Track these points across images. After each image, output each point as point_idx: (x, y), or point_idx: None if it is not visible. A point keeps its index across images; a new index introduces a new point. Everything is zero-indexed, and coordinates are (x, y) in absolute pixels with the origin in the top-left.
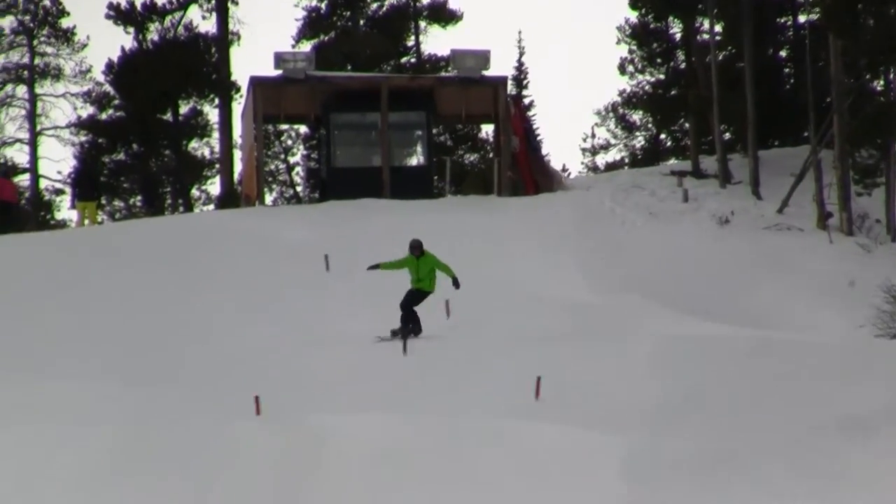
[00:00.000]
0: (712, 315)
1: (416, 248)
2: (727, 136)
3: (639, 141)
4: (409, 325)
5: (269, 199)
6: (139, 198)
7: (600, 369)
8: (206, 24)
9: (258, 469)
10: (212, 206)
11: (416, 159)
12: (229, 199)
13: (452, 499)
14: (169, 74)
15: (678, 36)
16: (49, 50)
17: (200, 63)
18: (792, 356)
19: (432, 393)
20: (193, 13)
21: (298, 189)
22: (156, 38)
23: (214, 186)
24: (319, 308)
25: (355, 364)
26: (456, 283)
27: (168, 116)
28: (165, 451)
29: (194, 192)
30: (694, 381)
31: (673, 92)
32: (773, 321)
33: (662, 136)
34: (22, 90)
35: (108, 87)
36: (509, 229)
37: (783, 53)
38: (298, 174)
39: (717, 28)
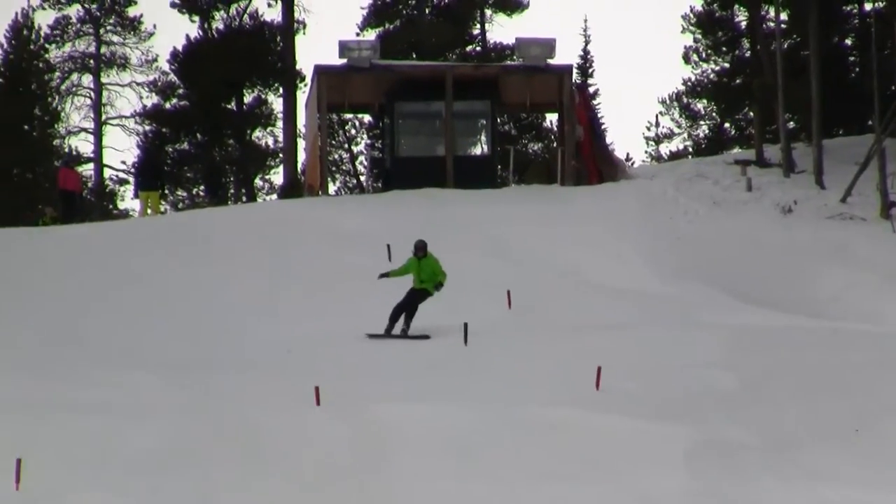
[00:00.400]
0: (775, 304)
1: (421, 249)
2: (791, 124)
3: (702, 130)
4: (395, 324)
5: (332, 188)
6: (202, 187)
7: (662, 359)
8: (272, 13)
9: (322, 458)
10: (275, 196)
11: (479, 148)
12: (293, 188)
13: (513, 489)
14: (234, 63)
15: (743, 24)
16: (115, 39)
17: (265, 52)
18: (855, 346)
19: (493, 383)
20: (259, 2)
21: (362, 179)
22: (221, 26)
23: (278, 176)
24: (382, 298)
25: (417, 354)
26: (439, 287)
27: (232, 105)
28: (229, 440)
29: (258, 181)
30: (757, 370)
31: (737, 80)
32: (836, 311)
33: (726, 124)
34: (88, 79)
35: (172, 76)
36: (572, 218)
37: (848, 41)
38: (362, 164)
39: (783, 16)
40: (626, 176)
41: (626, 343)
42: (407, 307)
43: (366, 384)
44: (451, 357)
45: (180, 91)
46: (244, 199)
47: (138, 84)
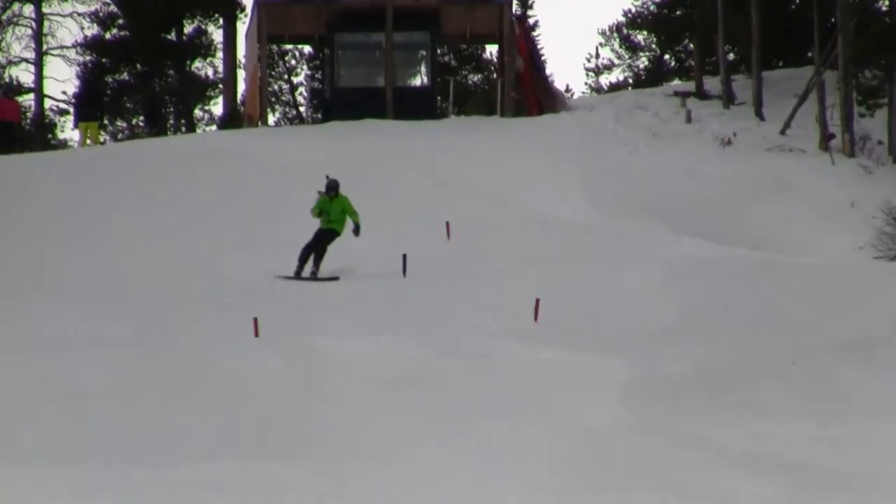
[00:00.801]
0: (714, 236)
1: (332, 188)
2: (731, 56)
3: (643, 62)
4: (305, 266)
5: (271, 119)
6: (141, 118)
7: (601, 292)
8: None
9: (258, 391)
10: (214, 127)
11: (419, 80)
12: (232, 119)
13: (451, 422)
14: None
15: None
16: None
17: None
18: (793, 279)
19: (432, 315)
20: None
21: (301, 110)
22: None
23: (217, 107)
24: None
25: (355, 287)
26: (357, 230)
27: (172, 36)
28: (167, 372)
29: (197, 112)
30: (696, 303)
31: (678, 12)
32: (774, 243)
33: (666, 56)
34: (29, 9)
35: (113, 7)
36: (512, 150)
37: None
38: (302, 95)
39: None
40: (566, 107)
41: (564, 275)
42: (314, 248)
43: (305, 318)
44: (390, 290)
45: (120, 21)
46: (183, 129)
47: (79, 14)
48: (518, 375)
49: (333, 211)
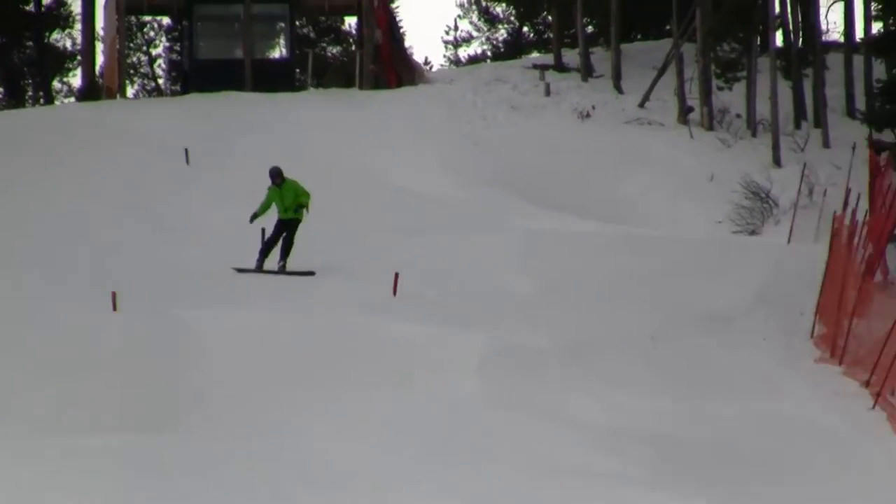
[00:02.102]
0: (574, 210)
1: (276, 175)
2: (590, 29)
3: (501, 34)
4: (265, 259)
5: (130, 92)
6: (1, 89)
7: (460, 265)
8: None
9: (115, 362)
10: (73, 99)
11: (278, 52)
12: (91, 91)
13: (311, 395)
14: None
15: None
16: None
17: None
18: (652, 252)
19: (292, 288)
20: None
21: (160, 82)
22: None
23: (76, 79)
24: (179, 202)
25: (215, 259)
26: (299, 210)
27: (31, 7)
28: (20, 341)
29: (56, 84)
30: (554, 276)
31: None
32: (634, 216)
33: (525, 29)
34: None
35: None
36: (371, 123)
37: None
38: (161, 67)
39: None
40: (425, 80)
41: (422, 248)
42: (275, 241)
43: (165, 289)
44: (249, 262)
45: None
46: (42, 101)
47: None
48: (376, 348)
49: (286, 198)
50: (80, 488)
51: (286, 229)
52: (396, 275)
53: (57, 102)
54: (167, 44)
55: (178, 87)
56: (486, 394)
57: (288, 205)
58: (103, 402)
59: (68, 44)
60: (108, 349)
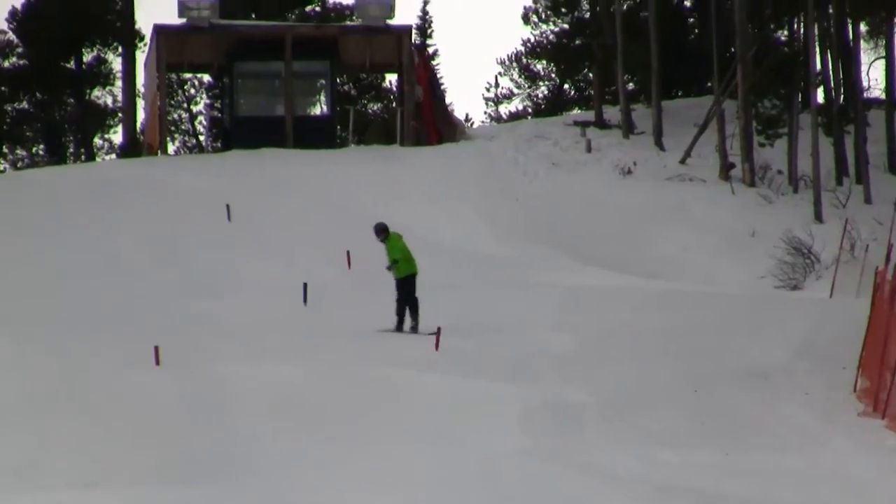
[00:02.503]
0: (615, 265)
1: (378, 232)
2: (631, 86)
3: (542, 91)
4: (401, 320)
5: (171, 148)
6: (42, 146)
7: (501, 320)
8: None
9: (160, 416)
10: (114, 156)
11: (319, 109)
12: (132, 148)
13: (351, 450)
14: (73, 22)
15: None
16: None
17: (105, 11)
18: (693, 308)
19: (332, 343)
20: None
21: (201, 138)
22: None
23: (117, 136)
24: (221, 258)
25: (256, 315)
26: (394, 266)
27: (71, 65)
28: (68, 396)
29: (97, 141)
30: (595, 332)
31: (577, 41)
32: (675, 272)
33: (566, 86)
34: None
35: (11, 35)
36: (412, 179)
37: (688, 3)
38: (202, 123)
39: None
40: (466, 136)
41: (464, 304)
42: (400, 301)
43: (206, 344)
44: (291, 317)
45: (19, 50)
46: (83, 158)
47: None
48: (417, 403)
49: (389, 256)
50: None
51: (398, 288)
52: (439, 329)
53: (98, 159)
54: (208, 101)
55: (218, 144)
56: (527, 448)
57: (389, 263)
58: (147, 456)
59: (109, 101)
60: (152, 404)
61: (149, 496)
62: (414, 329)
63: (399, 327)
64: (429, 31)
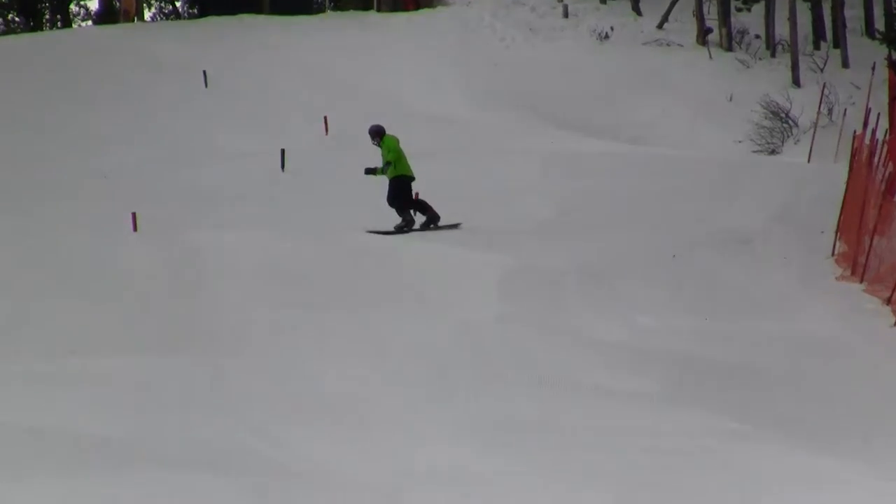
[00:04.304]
0: (593, 131)
1: (375, 134)
2: None
3: None
4: (408, 216)
5: (147, 15)
6: (16, 14)
7: (480, 187)
8: None
9: (139, 284)
10: (90, 22)
11: None
12: (108, 14)
13: (329, 315)
14: None
15: None
16: None
17: None
18: (671, 173)
19: (312, 210)
20: None
21: (178, 4)
22: None
23: (93, 2)
24: (198, 125)
25: (233, 181)
26: (385, 169)
27: None
28: (45, 263)
29: (73, 7)
30: (573, 197)
31: None
32: (653, 137)
33: None
34: None
35: None
36: (389, 45)
37: None
38: None
39: None
40: (443, 2)
41: (442, 170)
42: (391, 204)
43: (183, 211)
44: (269, 183)
45: None
46: (59, 24)
47: None
48: (396, 269)
49: (384, 158)
50: (86, 408)
51: (391, 189)
52: (417, 194)
53: (74, 26)
54: None
55: (195, 11)
56: (506, 313)
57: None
58: (126, 324)
59: None
60: (130, 272)
61: (127, 365)
62: (433, 221)
63: (409, 225)
64: None
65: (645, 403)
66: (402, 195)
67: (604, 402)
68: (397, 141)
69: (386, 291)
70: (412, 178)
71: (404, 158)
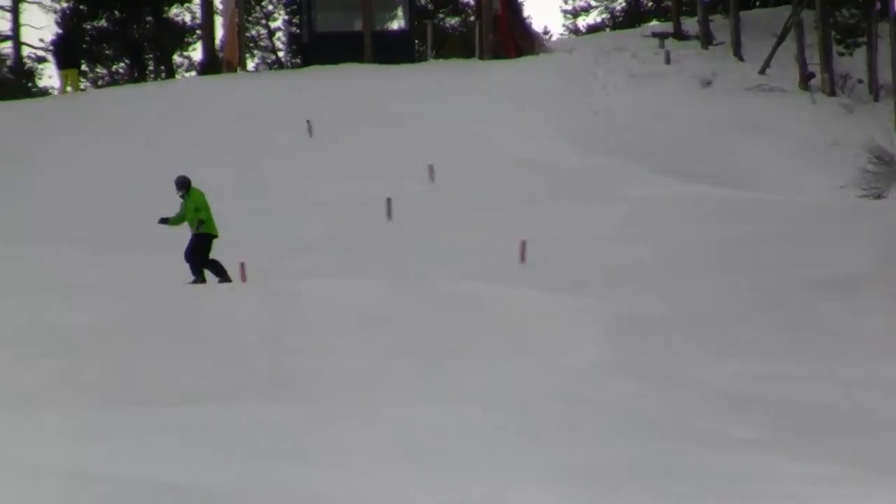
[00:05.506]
0: (694, 177)
1: (181, 186)
2: None
3: (620, 3)
4: (199, 277)
5: (250, 65)
6: (122, 65)
7: (582, 232)
8: None
9: (246, 332)
10: (194, 73)
11: (397, 23)
12: (211, 65)
13: (434, 364)
14: None
15: None
16: None
17: None
18: (774, 218)
19: (416, 258)
20: None
21: (280, 55)
22: None
23: (197, 53)
24: (302, 173)
25: (338, 229)
26: (200, 226)
27: None
28: (154, 317)
29: (176, 58)
30: (676, 242)
31: None
32: (755, 183)
33: None
34: None
35: None
36: (490, 92)
37: None
38: (280, 39)
39: None
40: (544, 49)
41: (546, 217)
42: (188, 259)
43: (290, 261)
44: (374, 232)
45: None
46: (163, 75)
47: None
48: (502, 317)
49: (188, 213)
50: (189, 459)
51: (192, 246)
52: (523, 242)
53: (178, 76)
54: (286, 17)
55: (297, 60)
56: (609, 360)
57: (189, 218)
58: (232, 372)
59: (188, 18)
60: (233, 320)
61: (230, 412)
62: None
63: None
64: None
65: (757, 450)
66: (203, 253)
67: (716, 448)
68: (204, 195)
69: (490, 339)
70: (216, 237)
71: (212, 215)
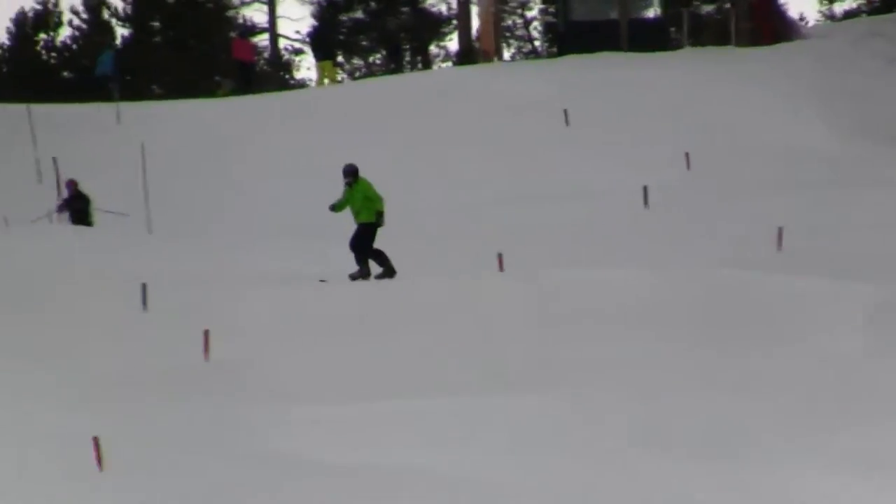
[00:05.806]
0: None
1: (347, 174)
2: None
3: None
4: (364, 268)
5: (506, 54)
6: (378, 56)
7: (844, 219)
8: None
9: (504, 321)
10: (450, 63)
11: (652, 11)
12: (467, 55)
13: (693, 351)
14: None
15: None
16: None
17: None
18: None
19: (673, 246)
20: None
21: (536, 44)
22: None
23: (453, 43)
24: (558, 162)
25: (594, 218)
26: (380, 219)
27: None
28: (413, 305)
29: (433, 49)
30: None
31: None
32: None
33: None
34: None
35: None
36: (747, 79)
37: None
38: (536, 28)
39: None
40: (800, 35)
41: (806, 203)
42: (353, 248)
43: (545, 249)
44: (631, 220)
45: None
46: (420, 66)
47: None
48: (761, 304)
49: (355, 201)
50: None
51: (358, 235)
52: (780, 229)
53: (434, 67)
54: (542, 5)
55: (553, 49)
56: (873, 348)
57: (357, 208)
58: (489, 363)
59: (443, 9)
60: (490, 310)
61: (492, 404)
62: (355, 275)
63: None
64: None
65: None
66: (369, 242)
67: None
68: (373, 185)
69: (749, 325)
70: (381, 226)
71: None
